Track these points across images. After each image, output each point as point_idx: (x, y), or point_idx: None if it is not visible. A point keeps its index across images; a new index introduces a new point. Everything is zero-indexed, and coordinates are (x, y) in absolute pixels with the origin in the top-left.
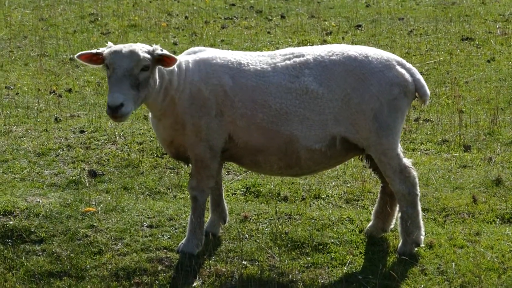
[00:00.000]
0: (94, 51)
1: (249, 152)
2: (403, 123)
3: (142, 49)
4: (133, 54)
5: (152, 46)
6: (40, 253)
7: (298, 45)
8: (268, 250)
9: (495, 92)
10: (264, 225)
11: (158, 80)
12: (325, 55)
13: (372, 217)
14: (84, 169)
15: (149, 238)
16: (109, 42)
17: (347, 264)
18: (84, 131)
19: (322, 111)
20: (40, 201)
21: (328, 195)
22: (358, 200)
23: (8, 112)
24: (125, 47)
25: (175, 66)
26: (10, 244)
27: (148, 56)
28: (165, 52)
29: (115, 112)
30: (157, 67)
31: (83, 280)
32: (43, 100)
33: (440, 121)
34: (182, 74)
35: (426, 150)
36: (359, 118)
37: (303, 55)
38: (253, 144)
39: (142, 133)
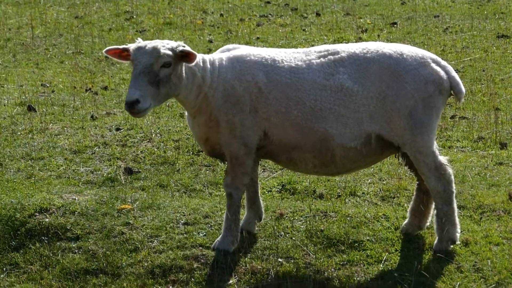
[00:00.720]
0: (122, 46)
1: (284, 149)
2: (438, 120)
3: (164, 45)
4: (153, 50)
5: (176, 43)
6: (76, 251)
7: (333, 42)
8: (304, 248)
9: None
10: (299, 222)
11: (185, 77)
12: (360, 53)
13: (408, 214)
14: (120, 166)
15: (185, 235)
16: (139, 39)
17: (382, 262)
18: (120, 129)
19: (357, 109)
20: (76, 198)
21: (364, 193)
22: (393, 198)
23: (44, 109)
24: (149, 44)
25: (208, 64)
26: (46, 241)
27: (169, 53)
28: (187, 48)
29: (132, 108)
30: (183, 64)
31: (118, 277)
32: (79, 97)
33: (476, 118)
34: (215, 72)
35: (462, 148)
36: (393, 115)
37: (338, 53)
38: (288, 141)
39: (178, 131)
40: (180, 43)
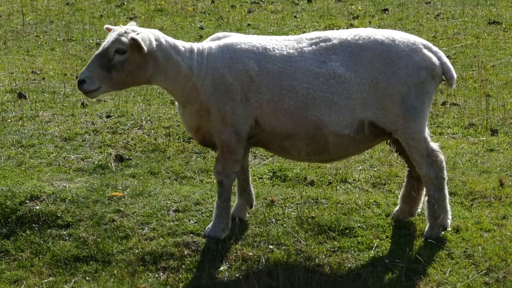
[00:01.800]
0: (111, 27)
1: (277, 138)
2: (430, 106)
3: (124, 31)
4: (112, 34)
5: (136, 31)
6: (67, 238)
7: (325, 29)
8: (295, 234)
9: None
10: (290, 209)
11: (163, 67)
12: (352, 39)
13: (399, 201)
14: (110, 153)
15: (176, 222)
16: (132, 21)
17: (373, 248)
18: (110, 116)
19: (349, 96)
20: (67, 185)
21: (355, 179)
22: (384, 184)
23: (34, 97)
24: (118, 28)
25: (195, 53)
26: (36, 229)
27: (124, 40)
28: (136, 36)
29: (79, 87)
30: (152, 55)
31: (109, 264)
32: (70, 85)
33: (467, 105)
34: (203, 61)
35: (453, 134)
36: (386, 102)
37: (329, 40)
38: (281, 130)
39: (169, 118)
40: (135, 32)
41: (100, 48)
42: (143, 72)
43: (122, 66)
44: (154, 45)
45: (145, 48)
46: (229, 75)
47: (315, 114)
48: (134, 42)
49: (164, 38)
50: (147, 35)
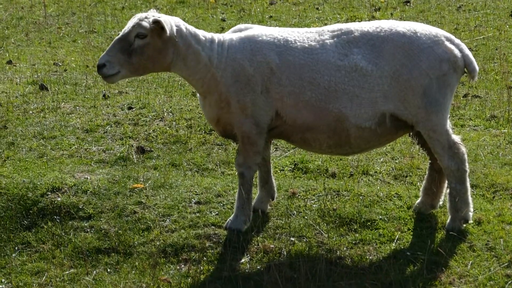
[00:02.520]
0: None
1: (298, 130)
2: (452, 99)
3: (145, 16)
4: (133, 19)
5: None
6: (88, 230)
7: (347, 21)
8: (316, 227)
9: None
10: (312, 201)
11: (183, 56)
12: (374, 32)
13: (420, 193)
14: (132, 145)
15: (197, 214)
16: (153, 9)
17: (395, 241)
18: (132, 108)
19: (371, 89)
20: (88, 177)
21: (377, 172)
22: (406, 177)
23: (56, 88)
24: (138, 14)
25: (215, 44)
26: (58, 220)
27: (145, 24)
28: (160, 18)
29: (98, 71)
30: (173, 41)
31: (131, 256)
32: (91, 76)
33: (488, 97)
34: (223, 52)
35: (474, 126)
36: (408, 94)
37: (351, 32)
38: (302, 122)
39: (190, 110)
40: (157, 15)
41: (121, 33)
42: (163, 57)
43: (143, 51)
44: (175, 31)
45: (168, 31)
46: (250, 67)
47: (337, 107)
48: (156, 26)
49: (185, 26)
50: (168, 20)
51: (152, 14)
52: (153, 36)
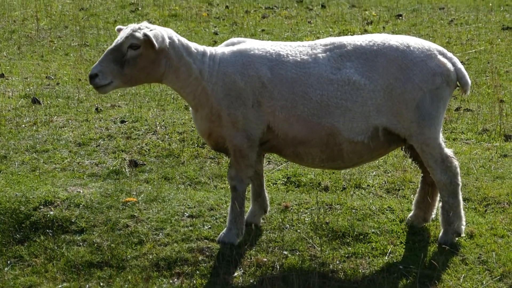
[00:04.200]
0: (118, 27)
1: (290, 144)
2: (445, 112)
3: (138, 27)
4: (126, 30)
5: (150, 28)
6: (81, 243)
7: (339, 34)
8: (309, 240)
9: None
10: (305, 215)
11: (175, 68)
12: (366, 45)
13: (413, 207)
14: (125, 159)
15: (190, 228)
16: (145, 22)
17: (388, 254)
18: (125, 121)
19: (364, 103)
20: (81, 191)
21: (369, 185)
22: (398, 190)
23: (48, 102)
24: (132, 25)
25: (207, 57)
26: (50, 234)
27: (139, 35)
28: (149, 33)
29: (90, 81)
30: (165, 53)
31: (123, 270)
32: (84, 90)
33: (480, 110)
34: (215, 65)
35: (466, 140)
36: (401, 108)
37: (344, 46)
38: (294, 136)
39: (183, 123)
40: (148, 29)
41: (114, 43)
42: (155, 68)
43: (135, 62)
44: (167, 43)
45: (157, 45)
46: (241, 81)
47: (329, 121)
48: (147, 38)
49: (177, 37)
50: (160, 32)
51: (146, 26)
52: (146, 47)
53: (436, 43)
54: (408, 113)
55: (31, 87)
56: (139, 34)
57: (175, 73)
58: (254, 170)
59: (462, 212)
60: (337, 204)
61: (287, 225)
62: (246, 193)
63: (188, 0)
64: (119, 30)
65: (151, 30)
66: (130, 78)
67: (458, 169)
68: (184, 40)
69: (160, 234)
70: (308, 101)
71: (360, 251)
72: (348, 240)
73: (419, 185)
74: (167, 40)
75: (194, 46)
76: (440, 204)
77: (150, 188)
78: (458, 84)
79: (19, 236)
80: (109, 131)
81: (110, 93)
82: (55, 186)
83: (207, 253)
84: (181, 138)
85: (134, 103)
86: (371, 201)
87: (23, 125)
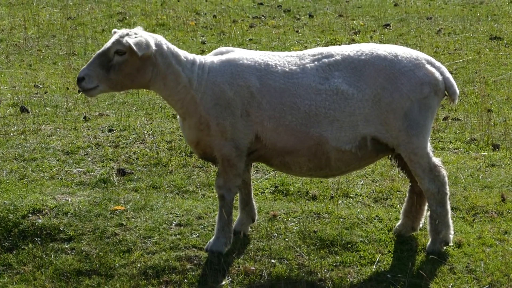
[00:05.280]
0: (114, 30)
1: (278, 153)
2: (433, 121)
3: (126, 33)
4: (114, 35)
5: (140, 35)
6: (69, 252)
7: (326, 44)
8: (297, 249)
9: None
10: (292, 223)
11: (163, 75)
12: (354, 55)
13: (401, 216)
14: (113, 167)
15: (178, 236)
16: (139, 27)
17: (376, 263)
18: (113, 130)
19: (352, 112)
20: (69, 199)
21: (357, 194)
22: (386, 199)
23: (36, 111)
24: (122, 30)
25: (196, 66)
26: (39, 242)
27: (124, 42)
28: (130, 41)
29: (78, 83)
30: (152, 61)
31: (112, 278)
32: (72, 99)
33: (468, 120)
34: (204, 75)
35: (454, 149)
36: (389, 117)
37: (332, 56)
38: (282, 146)
39: (171, 132)
40: (134, 35)
41: (102, 48)
42: (141, 75)
43: (121, 68)
44: (153, 50)
45: (139, 52)
46: (230, 91)
47: (317, 131)
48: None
49: (166, 44)
50: (146, 39)
51: (135, 31)
52: (131, 54)
53: (424, 53)
54: (396, 123)
55: (19, 96)
56: (124, 41)
57: (163, 81)
58: (242, 179)
59: (450, 221)
60: (325, 213)
61: (275, 234)
62: (234, 201)
63: (175, 9)
64: (115, 33)
65: (136, 37)
66: (116, 84)
67: (446, 178)
68: (174, 48)
69: (148, 242)
70: (296, 111)
71: (348, 260)
72: (336, 249)
73: (407, 194)
74: (153, 48)
75: (183, 54)
76: (428, 213)
77: (138, 197)
78: (446, 94)
79: (7, 244)
80: (97, 139)
81: (98, 102)
82: (44, 195)
83: (195, 262)
84: (169, 147)
85: (122, 111)
86: (359, 210)
87: (11, 134)
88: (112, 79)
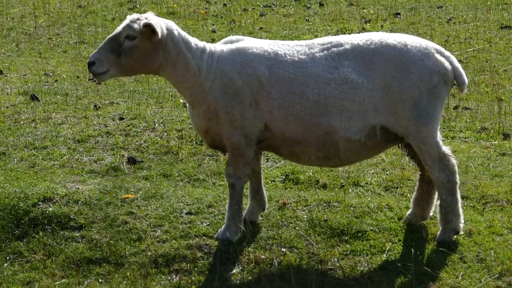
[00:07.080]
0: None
1: (287, 143)
2: (442, 111)
3: (137, 18)
4: (126, 20)
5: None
6: (80, 240)
7: (337, 33)
8: (307, 238)
9: None
10: (303, 212)
11: (172, 61)
12: (364, 44)
13: (411, 204)
14: (123, 156)
15: (188, 225)
16: (150, 12)
17: (386, 252)
18: (123, 118)
19: (361, 102)
20: (80, 187)
21: (367, 183)
22: (397, 188)
23: (47, 99)
24: (133, 15)
25: (206, 54)
26: (49, 230)
27: (135, 26)
28: (149, 21)
29: (89, 68)
30: (162, 45)
31: (122, 266)
32: (82, 87)
33: (479, 109)
34: (213, 63)
35: (465, 138)
36: (398, 107)
37: (341, 45)
38: (291, 135)
39: (182, 120)
40: (147, 16)
41: (113, 32)
42: (152, 60)
43: (131, 52)
44: (165, 34)
45: (159, 34)
46: (239, 79)
47: (326, 120)
48: (146, 29)
49: (177, 30)
50: (159, 23)
51: (146, 16)
52: (142, 39)
53: (434, 42)
54: (405, 112)
55: (29, 84)
56: (136, 25)
57: (173, 67)
58: (251, 167)
59: (460, 210)
60: (335, 202)
61: (285, 223)
62: (244, 190)
63: None
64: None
65: (150, 20)
66: (126, 68)
67: (456, 167)
68: (185, 35)
69: (159, 230)
70: (305, 100)
71: (358, 248)
72: (346, 238)
73: (417, 183)
74: (165, 31)
75: (194, 41)
76: (438, 202)
77: (148, 185)
78: (455, 83)
79: (18, 232)
80: (108, 128)
81: (108, 90)
82: (54, 183)
83: (206, 250)
84: (179, 135)
85: (133, 100)
86: (369, 199)
87: (21, 122)
88: (123, 63)
